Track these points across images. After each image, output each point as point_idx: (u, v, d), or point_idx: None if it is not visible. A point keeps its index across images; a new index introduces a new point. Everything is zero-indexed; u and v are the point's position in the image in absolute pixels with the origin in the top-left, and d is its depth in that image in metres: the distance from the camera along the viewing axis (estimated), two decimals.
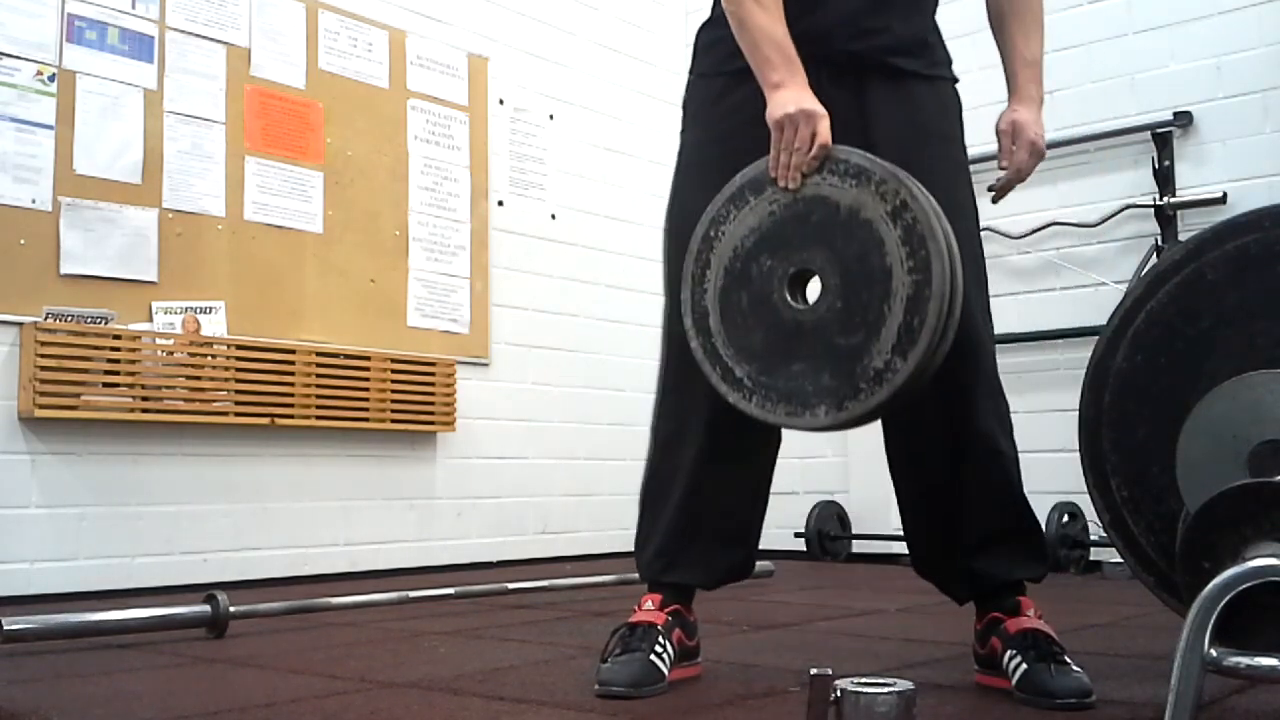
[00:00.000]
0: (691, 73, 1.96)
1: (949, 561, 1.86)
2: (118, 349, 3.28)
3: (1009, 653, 1.71)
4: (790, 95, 1.67)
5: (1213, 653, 1.25)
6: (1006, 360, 1.87)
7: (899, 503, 1.92)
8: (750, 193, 1.71)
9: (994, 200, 1.91)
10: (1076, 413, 1.71)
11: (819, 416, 1.64)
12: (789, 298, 1.67)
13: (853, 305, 1.62)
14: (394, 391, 3.93)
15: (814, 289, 1.68)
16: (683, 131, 1.96)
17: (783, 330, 1.67)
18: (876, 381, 1.59)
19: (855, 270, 1.62)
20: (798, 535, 4.36)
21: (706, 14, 1.92)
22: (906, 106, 1.82)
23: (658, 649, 1.78)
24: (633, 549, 1.97)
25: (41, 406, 3.14)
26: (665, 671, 1.77)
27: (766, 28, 1.71)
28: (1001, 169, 1.89)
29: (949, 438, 1.80)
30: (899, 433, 1.87)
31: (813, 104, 1.66)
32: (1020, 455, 1.85)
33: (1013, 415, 1.87)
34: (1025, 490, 1.84)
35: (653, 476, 1.94)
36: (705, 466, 1.86)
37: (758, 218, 1.70)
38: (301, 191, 3.84)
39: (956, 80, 1.92)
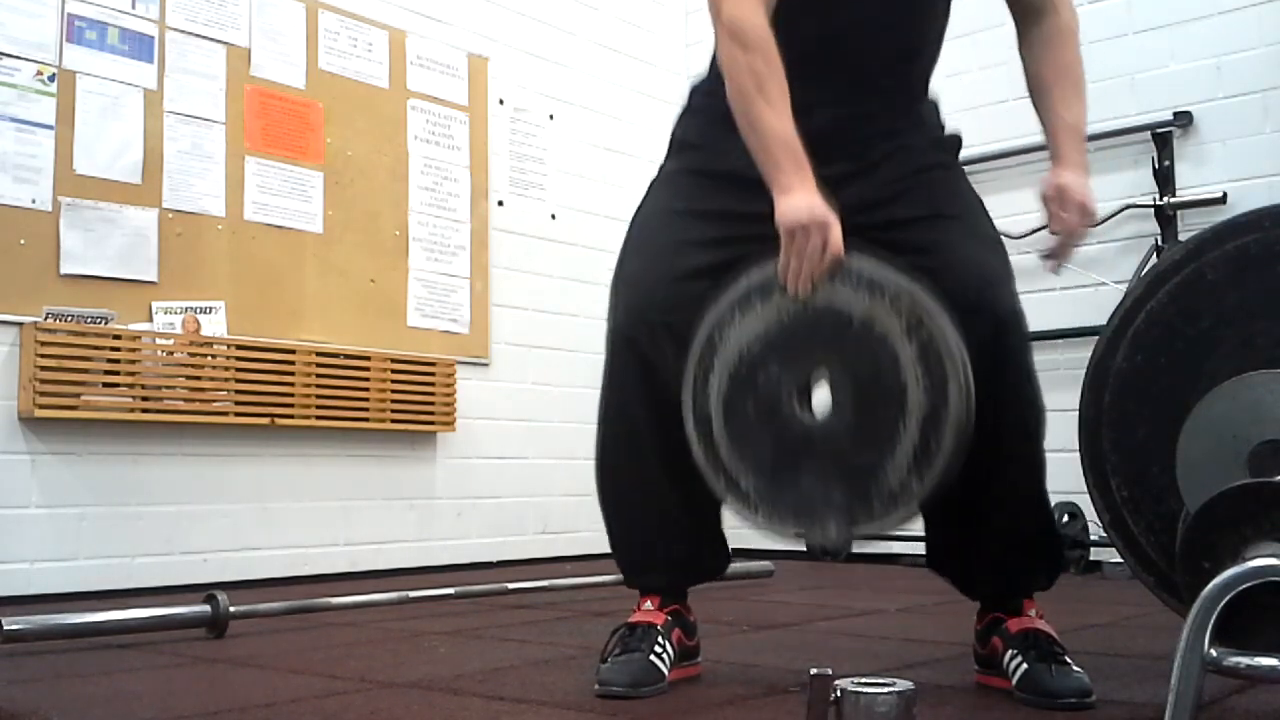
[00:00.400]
0: (679, 125, 1.97)
1: (969, 561, 1.84)
2: (118, 349, 3.28)
3: (1009, 652, 1.71)
4: (802, 201, 1.61)
5: (1213, 653, 1.25)
6: None
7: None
8: (757, 297, 1.64)
9: (1054, 270, 1.84)
10: (1076, 413, 1.71)
11: (829, 532, 1.62)
12: (798, 408, 1.63)
13: (865, 421, 1.59)
14: (394, 391, 3.92)
15: (821, 397, 1.64)
16: (663, 163, 1.98)
17: (792, 441, 1.63)
18: (891, 502, 1.57)
19: (868, 384, 1.58)
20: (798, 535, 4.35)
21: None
22: (903, 157, 1.83)
23: (657, 649, 1.78)
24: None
25: (41, 406, 3.14)
26: (665, 671, 1.77)
27: (777, 130, 1.65)
28: (1054, 233, 1.81)
29: (979, 438, 1.78)
30: None
31: (824, 211, 1.61)
32: None
33: None
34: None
35: (605, 480, 1.92)
36: (655, 465, 1.84)
37: (764, 324, 1.64)
38: (301, 191, 3.84)
39: (948, 133, 1.92)
